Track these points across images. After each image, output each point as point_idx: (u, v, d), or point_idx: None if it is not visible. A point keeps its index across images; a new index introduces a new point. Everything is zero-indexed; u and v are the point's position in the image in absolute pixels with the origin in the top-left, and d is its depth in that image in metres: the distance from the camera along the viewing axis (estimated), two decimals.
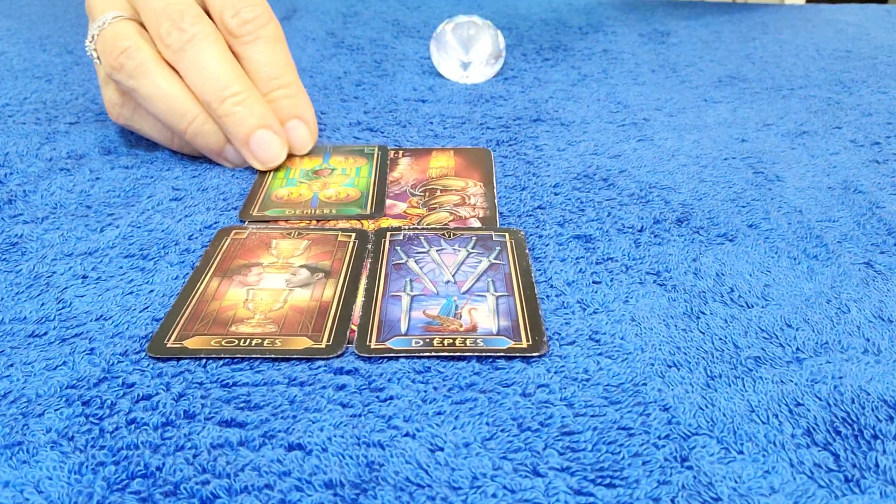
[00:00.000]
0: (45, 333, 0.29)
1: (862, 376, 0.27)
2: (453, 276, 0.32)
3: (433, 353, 0.28)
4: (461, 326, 0.29)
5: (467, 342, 0.28)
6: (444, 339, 0.28)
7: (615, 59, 0.62)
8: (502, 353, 0.27)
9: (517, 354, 0.28)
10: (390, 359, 0.28)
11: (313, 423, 0.25)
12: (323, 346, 0.28)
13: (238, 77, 0.39)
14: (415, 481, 0.23)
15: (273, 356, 0.27)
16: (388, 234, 0.35)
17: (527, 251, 0.34)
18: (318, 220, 0.37)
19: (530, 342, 0.28)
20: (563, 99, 0.53)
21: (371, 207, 0.38)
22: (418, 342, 0.28)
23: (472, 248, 0.34)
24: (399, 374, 0.27)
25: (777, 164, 0.43)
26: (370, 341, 0.28)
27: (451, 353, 0.28)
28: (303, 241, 0.34)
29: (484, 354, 0.27)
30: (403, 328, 0.29)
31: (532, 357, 0.28)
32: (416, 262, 0.33)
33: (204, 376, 0.27)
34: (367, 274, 0.32)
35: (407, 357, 0.28)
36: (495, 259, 0.33)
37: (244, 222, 0.36)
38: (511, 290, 0.31)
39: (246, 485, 0.22)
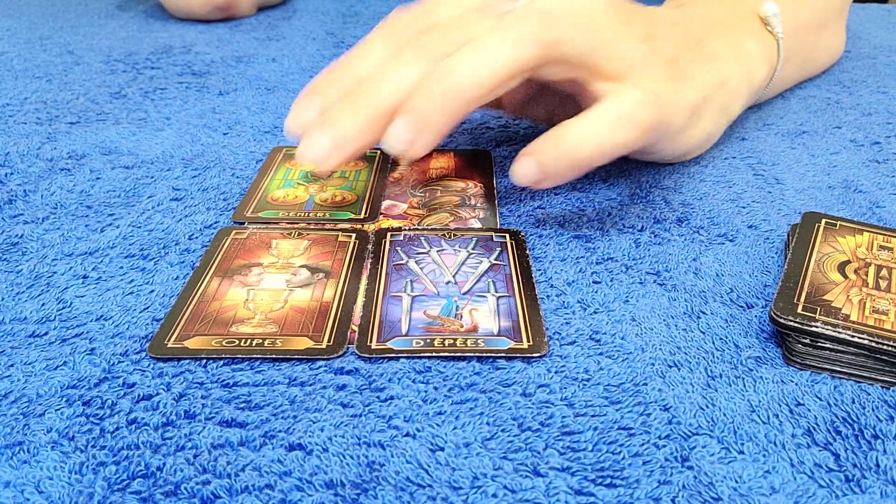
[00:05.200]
0: (46, 333, 0.29)
1: None
2: (454, 276, 0.32)
3: (434, 354, 0.28)
4: (462, 327, 0.29)
5: (468, 342, 0.28)
6: (444, 339, 0.28)
7: None
8: (503, 354, 0.27)
9: (518, 355, 0.28)
10: (391, 359, 0.28)
11: (314, 423, 0.25)
12: (323, 346, 0.28)
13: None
14: (415, 481, 0.23)
15: (273, 356, 0.27)
16: (389, 234, 0.35)
17: (527, 252, 0.34)
18: (309, 224, 0.36)
19: (531, 342, 0.28)
20: None
21: (365, 212, 0.37)
22: (419, 342, 0.28)
23: (473, 248, 0.34)
24: (399, 374, 0.27)
25: (777, 163, 0.43)
26: (371, 341, 0.28)
27: (452, 354, 0.28)
28: (303, 242, 0.34)
29: (485, 355, 0.27)
30: (404, 329, 0.29)
31: (533, 357, 0.28)
32: (416, 262, 0.33)
33: (204, 376, 0.27)
34: (367, 274, 0.32)
35: (407, 357, 0.28)
36: (496, 260, 0.33)
37: (239, 223, 0.36)
38: (512, 290, 0.31)
39: (247, 485, 0.22)
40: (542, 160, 0.34)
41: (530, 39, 0.32)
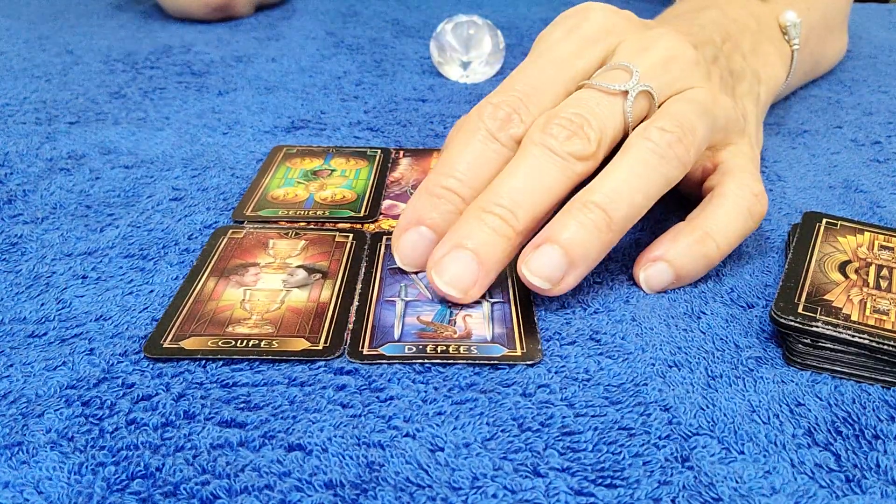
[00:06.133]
0: (45, 334, 0.29)
1: None
2: None
3: (425, 361, 0.27)
4: (455, 333, 0.29)
5: (461, 349, 0.28)
6: (437, 345, 0.28)
7: None
8: (495, 362, 0.27)
9: (511, 363, 0.27)
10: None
11: (313, 423, 0.25)
12: (320, 347, 0.28)
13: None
14: (415, 481, 0.23)
15: (270, 358, 0.27)
16: (385, 238, 0.35)
17: None
18: (308, 222, 0.36)
19: (524, 350, 0.28)
20: None
21: (365, 210, 0.37)
22: (411, 349, 0.28)
23: None
24: (399, 374, 0.27)
25: (778, 162, 0.43)
26: (363, 347, 0.28)
27: (445, 361, 0.27)
28: (300, 242, 0.34)
29: (476, 363, 0.27)
30: (397, 334, 0.29)
31: (526, 365, 0.27)
32: None
33: (204, 376, 0.27)
34: (361, 278, 0.32)
35: (400, 363, 0.27)
36: None
37: (239, 222, 0.36)
38: (506, 296, 0.31)
39: (246, 485, 0.22)
40: (679, 263, 0.31)
41: (676, 162, 0.30)
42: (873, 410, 0.25)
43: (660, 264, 0.31)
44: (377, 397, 0.26)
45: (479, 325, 0.29)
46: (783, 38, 0.45)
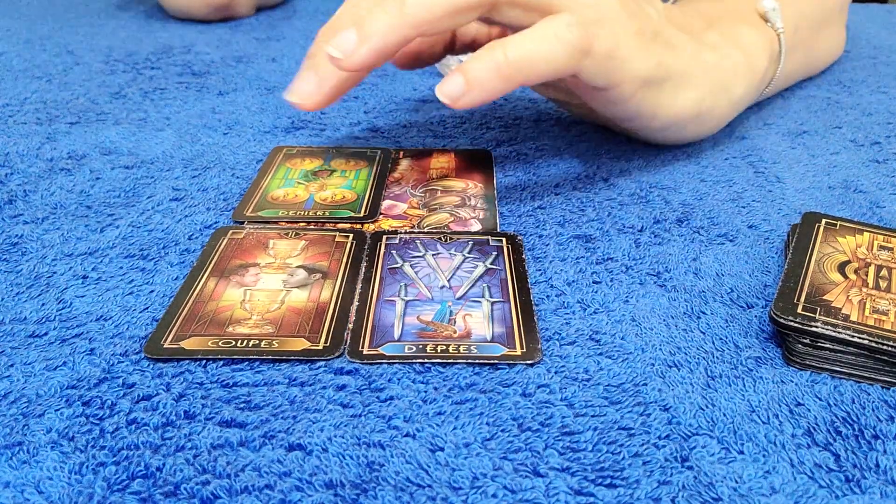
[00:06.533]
0: (46, 334, 0.29)
1: None
2: (448, 281, 0.32)
3: (425, 361, 0.27)
4: (455, 333, 0.29)
5: (461, 349, 0.28)
6: (437, 345, 0.28)
7: None
8: (495, 361, 0.27)
9: (510, 362, 0.27)
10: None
11: (314, 423, 0.25)
12: (320, 347, 0.28)
13: None
14: (415, 481, 0.23)
15: (270, 358, 0.27)
16: (385, 237, 0.35)
17: (523, 256, 0.34)
18: (308, 222, 0.36)
19: (524, 349, 0.28)
20: None
21: (365, 211, 0.37)
22: (411, 348, 0.28)
23: (469, 252, 0.34)
24: (399, 374, 0.27)
25: (777, 163, 0.43)
26: (363, 347, 0.28)
27: (444, 361, 0.27)
28: (300, 242, 0.34)
29: (476, 362, 0.27)
30: (397, 334, 0.29)
31: (526, 365, 0.27)
32: (411, 266, 0.33)
33: (204, 376, 0.27)
34: (361, 278, 0.32)
35: (400, 362, 0.28)
36: (491, 264, 0.33)
37: (239, 222, 0.36)
38: (506, 296, 0.31)
39: (246, 485, 0.22)
40: (468, 68, 0.33)
41: None
42: (873, 410, 0.26)
43: (454, 73, 0.33)
44: (377, 397, 0.26)
45: (478, 324, 0.29)
46: (765, 25, 0.45)
